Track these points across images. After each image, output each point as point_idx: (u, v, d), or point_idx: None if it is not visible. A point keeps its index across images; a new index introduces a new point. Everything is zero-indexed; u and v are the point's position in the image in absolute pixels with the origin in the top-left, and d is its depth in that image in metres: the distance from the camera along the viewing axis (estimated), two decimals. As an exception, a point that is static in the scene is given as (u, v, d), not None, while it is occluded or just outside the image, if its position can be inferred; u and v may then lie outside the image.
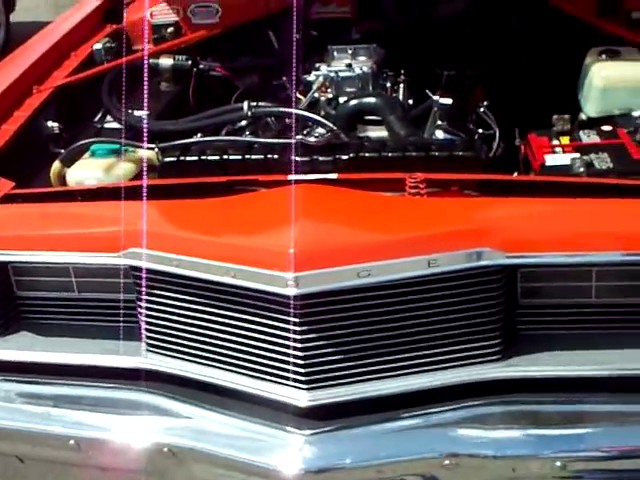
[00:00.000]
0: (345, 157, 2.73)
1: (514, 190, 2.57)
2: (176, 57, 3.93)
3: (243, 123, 3.39)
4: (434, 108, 3.34)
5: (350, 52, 3.57)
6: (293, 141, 2.83)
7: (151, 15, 4.11)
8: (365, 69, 3.51)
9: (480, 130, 3.27)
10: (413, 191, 2.53)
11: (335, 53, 3.60)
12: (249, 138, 3.05)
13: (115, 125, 3.52)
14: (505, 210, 2.47)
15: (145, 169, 2.58)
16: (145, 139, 2.87)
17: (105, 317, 2.70)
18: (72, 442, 2.56)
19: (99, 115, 3.60)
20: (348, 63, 3.51)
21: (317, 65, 3.63)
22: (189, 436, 2.50)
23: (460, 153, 2.72)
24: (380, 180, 2.60)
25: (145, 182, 2.60)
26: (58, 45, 3.81)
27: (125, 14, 4.15)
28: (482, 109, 3.39)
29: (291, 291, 2.29)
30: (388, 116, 3.18)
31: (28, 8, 10.02)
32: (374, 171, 2.68)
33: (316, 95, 3.51)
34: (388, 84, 3.53)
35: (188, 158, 2.83)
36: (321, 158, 2.73)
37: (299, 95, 3.63)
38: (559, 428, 2.44)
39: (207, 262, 2.39)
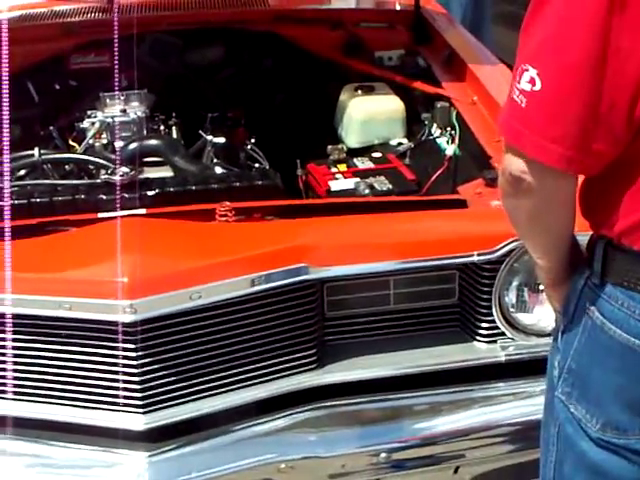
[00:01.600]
0: (151, 193, 2.86)
1: (312, 213, 2.80)
2: None
3: (22, 172, 3.44)
4: (208, 147, 3.53)
5: (122, 98, 3.70)
6: (98, 180, 2.94)
7: None
8: (139, 113, 3.65)
9: (256, 165, 3.49)
10: (223, 219, 2.69)
11: (108, 100, 3.71)
12: (56, 181, 3.11)
13: None
14: (313, 230, 2.68)
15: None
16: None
17: None
18: None
19: None
20: (122, 109, 3.64)
21: (89, 112, 3.72)
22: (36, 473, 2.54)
23: (260, 182, 2.92)
24: (189, 212, 2.75)
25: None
26: None
27: None
28: (249, 146, 3.62)
29: (128, 317, 2.39)
30: (172, 157, 3.34)
31: None
32: (180, 204, 2.82)
33: (91, 141, 3.61)
34: (161, 127, 3.68)
35: None
36: (127, 195, 2.84)
37: (72, 142, 3.72)
38: (378, 424, 2.67)
39: (40, 298, 2.45)
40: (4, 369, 2.55)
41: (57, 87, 4.09)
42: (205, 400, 2.58)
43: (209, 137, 3.52)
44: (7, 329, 2.48)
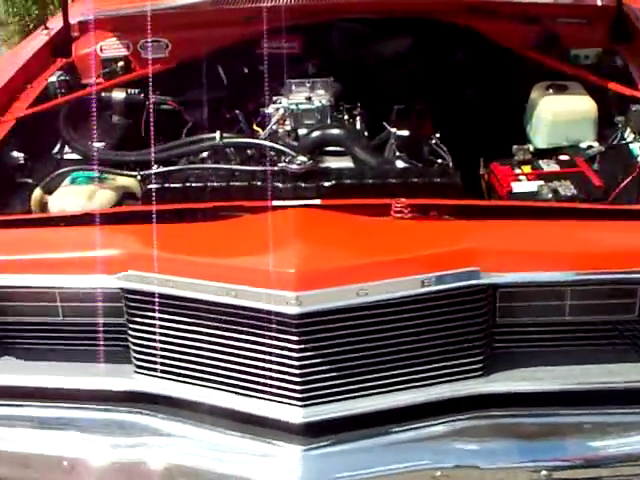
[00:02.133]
0: (327, 184, 2.82)
1: (489, 214, 2.70)
2: (128, 91, 3.99)
3: (204, 154, 3.46)
4: (391, 140, 3.47)
5: (308, 85, 3.68)
6: (276, 168, 2.92)
7: (101, 49, 4.16)
8: (324, 102, 3.62)
9: (439, 160, 3.41)
10: (398, 215, 2.63)
11: (293, 86, 3.70)
12: (231, 165, 3.12)
13: (74, 156, 3.55)
14: (489, 232, 2.59)
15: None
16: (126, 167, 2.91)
17: (91, 341, 2.71)
18: (65, 463, 2.57)
19: (58, 146, 3.62)
20: (307, 96, 3.62)
21: (275, 98, 3.72)
22: (184, 455, 2.54)
23: (438, 180, 2.84)
24: (364, 206, 2.70)
25: (135, 208, 2.66)
26: (14, 79, 3.81)
27: (74, 48, 4.19)
28: (434, 141, 3.54)
29: (293, 309, 2.36)
30: (353, 147, 3.29)
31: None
32: (355, 197, 2.77)
33: (274, 127, 3.60)
34: (345, 116, 3.64)
35: (172, 185, 2.89)
36: (304, 185, 2.81)
37: (256, 127, 3.73)
38: (541, 440, 2.56)
39: (207, 283, 2.44)
40: (160, 348, 2.57)
41: (246, 71, 4.10)
42: (364, 399, 2.53)
43: (393, 129, 3.46)
44: (168, 309, 2.49)
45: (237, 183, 2.87)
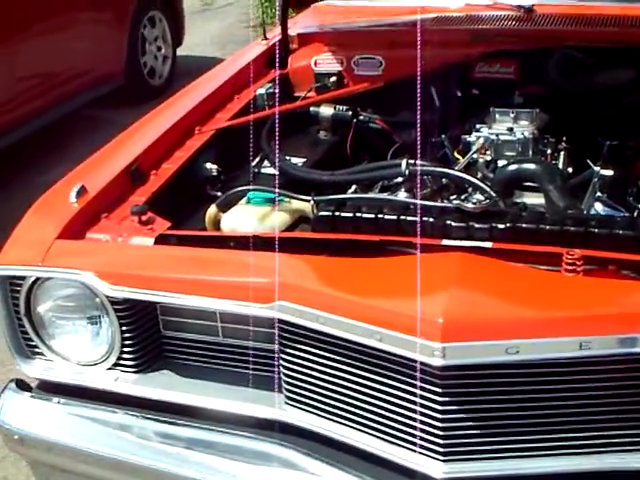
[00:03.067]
0: (501, 226, 2.68)
1: None
2: (337, 107, 3.97)
3: (399, 179, 3.38)
4: (594, 179, 3.28)
5: (512, 115, 3.53)
6: (450, 205, 2.80)
7: (315, 63, 4.16)
8: (526, 134, 3.47)
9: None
10: (570, 268, 2.46)
11: (497, 115, 3.57)
12: (405, 199, 3.03)
13: (272, 171, 3.55)
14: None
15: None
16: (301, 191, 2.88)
17: (246, 364, 2.70)
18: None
19: (257, 160, 3.63)
20: (509, 127, 3.47)
21: (478, 126, 3.60)
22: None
23: (620, 232, 2.64)
24: (536, 253, 2.55)
25: (297, 235, 2.62)
26: (222, 88, 3.88)
27: (290, 60, 4.21)
28: None
29: (437, 361, 2.25)
30: (547, 185, 3.13)
31: (195, 43, 10.27)
32: (530, 242, 2.62)
33: (474, 156, 3.48)
34: (548, 150, 3.47)
35: (343, 214, 2.82)
36: (477, 225, 2.69)
37: (457, 155, 3.61)
38: None
39: (353, 323, 2.37)
40: (309, 382, 2.52)
41: (458, 94, 3.98)
42: (512, 460, 2.38)
43: (597, 167, 3.27)
44: (315, 344, 2.44)
45: (408, 218, 2.76)
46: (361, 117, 3.98)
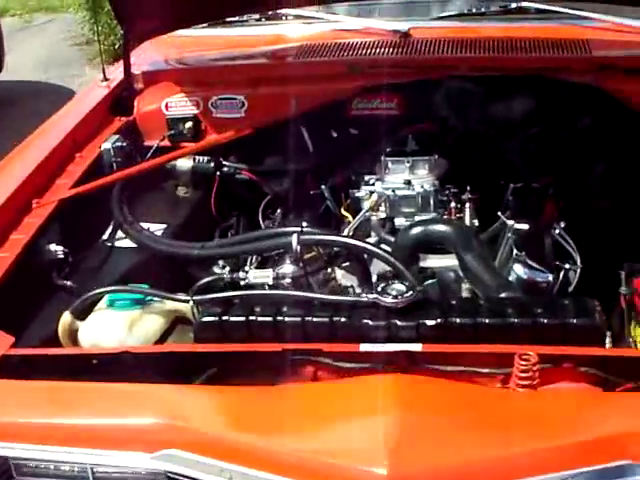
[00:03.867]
0: (431, 323, 2.19)
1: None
2: (196, 158, 3.41)
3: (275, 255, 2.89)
4: (507, 233, 2.84)
5: (408, 165, 3.04)
6: (364, 298, 2.29)
7: (166, 106, 3.58)
8: (426, 186, 2.99)
9: (566, 265, 2.77)
10: (524, 376, 2.00)
11: (390, 164, 3.08)
12: (309, 294, 2.50)
13: (129, 243, 2.97)
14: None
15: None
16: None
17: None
18: None
19: (109, 231, 3.05)
20: (407, 180, 2.99)
21: (367, 177, 3.11)
22: None
23: (574, 321, 2.18)
24: (479, 354, 2.08)
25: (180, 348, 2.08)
26: (61, 146, 3.24)
27: (136, 104, 3.62)
28: (558, 231, 2.90)
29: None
30: (464, 253, 2.67)
31: (17, 66, 9.45)
32: (467, 339, 2.15)
33: (367, 214, 3.00)
34: (452, 204, 3.01)
35: (232, 318, 2.28)
36: (401, 323, 2.19)
37: (344, 212, 3.12)
38: None
39: (270, 477, 1.83)
40: None
41: (334, 135, 3.48)
42: None
43: (510, 221, 2.82)
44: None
45: (315, 319, 2.24)
46: (225, 169, 3.43)
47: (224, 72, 3.60)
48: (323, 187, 3.28)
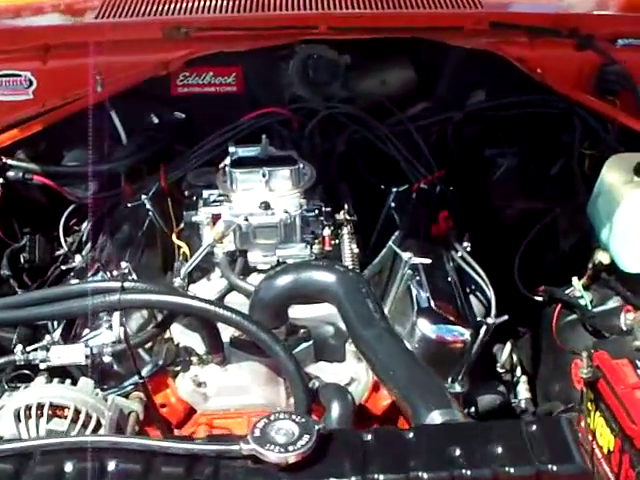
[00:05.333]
0: None
1: None
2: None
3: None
4: (403, 269, 2.12)
5: (265, 179, 2.23)
6: (230, 447, 1.48)
7: None
8: (291, 209, 2.21)
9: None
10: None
11: (238, 176, 2.26)
12: (147, 440, 1.61)
13: None
14: None
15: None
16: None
17: None
18: None
19: None
20: (264, 202, 2.19)
21: (208, 193, 2.31)
22: None
23: (553, 468, 1.45)
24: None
25: None
26: None
27: None
28: (461, 253, 2.28)
29: None
30: (351, 312, 1.91)
31: None
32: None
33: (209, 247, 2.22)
34: (326, 230, 2.24)
35: None
36: None
37: (177, 241, 2.33)
38: None
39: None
40: None
41: (155, 121, 2.68)
42: None
43: (405, 255, 2.09)
44: None
45: None
46: (11, 173, 2.57)
47: (2, 38, 2.69)
48: (144, 197, 2.45)
